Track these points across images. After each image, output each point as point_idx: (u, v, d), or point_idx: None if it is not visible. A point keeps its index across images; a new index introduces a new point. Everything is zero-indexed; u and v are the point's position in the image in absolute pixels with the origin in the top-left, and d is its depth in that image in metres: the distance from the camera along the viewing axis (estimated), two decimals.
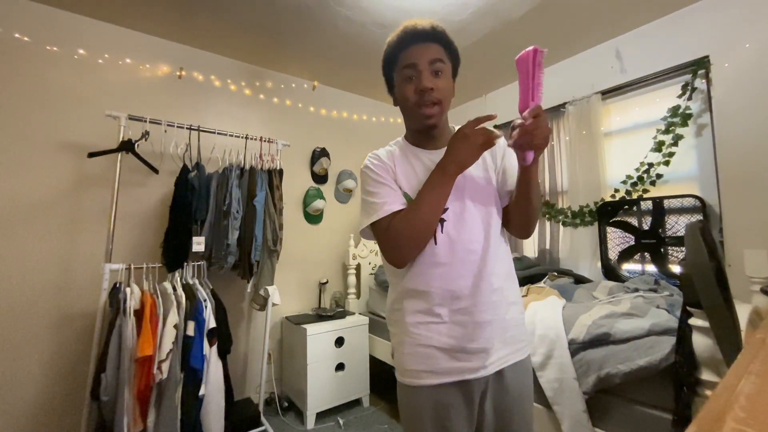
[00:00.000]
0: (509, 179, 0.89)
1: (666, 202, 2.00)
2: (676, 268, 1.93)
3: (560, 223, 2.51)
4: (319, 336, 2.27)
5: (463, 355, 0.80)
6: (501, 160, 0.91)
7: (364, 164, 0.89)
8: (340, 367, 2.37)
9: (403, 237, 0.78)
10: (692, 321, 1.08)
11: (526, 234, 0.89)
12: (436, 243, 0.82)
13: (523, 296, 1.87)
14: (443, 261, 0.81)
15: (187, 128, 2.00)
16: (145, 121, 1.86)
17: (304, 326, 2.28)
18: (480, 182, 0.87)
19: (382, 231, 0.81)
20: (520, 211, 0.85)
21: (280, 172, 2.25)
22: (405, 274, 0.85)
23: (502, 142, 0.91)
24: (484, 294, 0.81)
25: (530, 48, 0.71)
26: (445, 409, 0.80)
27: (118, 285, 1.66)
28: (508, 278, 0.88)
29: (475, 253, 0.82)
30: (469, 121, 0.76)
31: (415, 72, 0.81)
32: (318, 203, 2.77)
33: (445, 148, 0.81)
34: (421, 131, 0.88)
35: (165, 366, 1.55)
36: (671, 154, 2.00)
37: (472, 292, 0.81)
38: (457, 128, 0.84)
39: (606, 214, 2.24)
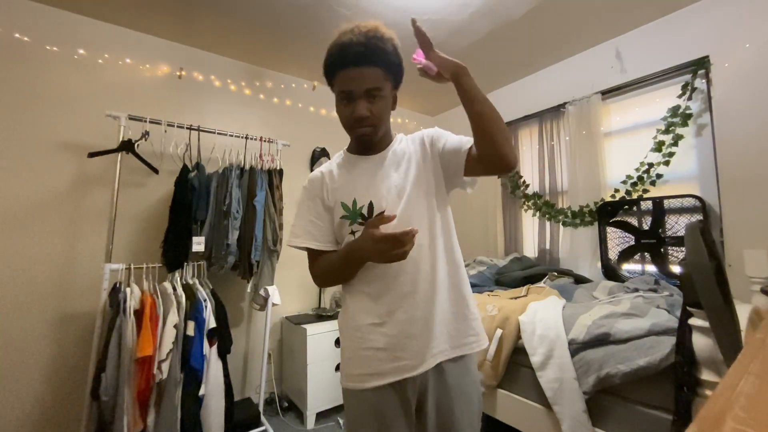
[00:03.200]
0: (453, 143, 0.89)
1: (666, 202, 2.00)
2: (676, 268, 1.93)
3: (560, 223, 2.51)
4: (319, 336, 2.27)
5: (401, 354, 0.81)
6: (439, 144, 0.91)
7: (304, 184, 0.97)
8: (340, 367, 2.36)
9: (319, 280, 0.94)
10: (692, 321, 1.08)
11: (501, 158, 0.77)
12: None
13: (523, 296, 1.87)
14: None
15: (187, 128, 2.00)
16: (145, 121, 1.86)
17: (304, 326, 2.27)
18: (420, 181, 0.89)
19: (308, 257, 0.94)
20: (478, 131, 0.79)
21: (280, 172, 2.25)
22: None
23: (432, 132, 0.94)
24: (423, 291, 0.83)
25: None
26: (384, 412, 0.81)
27: (118, 285, 1.66)
28: (450, 274, 0.88)
29: (416, 250, 0.80)
30: (387, 236, 0.73)
31: (349, 98, 0.82)
32: None
33: (384, 151, 0.91)
34: (359, 144, 0.93)
35: (165, 366, 1.55)
36: (671, 154, 2.01)
37: (411, 289, 0.83)
38: (397, 135, 0.95)
39: (606, 214, 2.24)
